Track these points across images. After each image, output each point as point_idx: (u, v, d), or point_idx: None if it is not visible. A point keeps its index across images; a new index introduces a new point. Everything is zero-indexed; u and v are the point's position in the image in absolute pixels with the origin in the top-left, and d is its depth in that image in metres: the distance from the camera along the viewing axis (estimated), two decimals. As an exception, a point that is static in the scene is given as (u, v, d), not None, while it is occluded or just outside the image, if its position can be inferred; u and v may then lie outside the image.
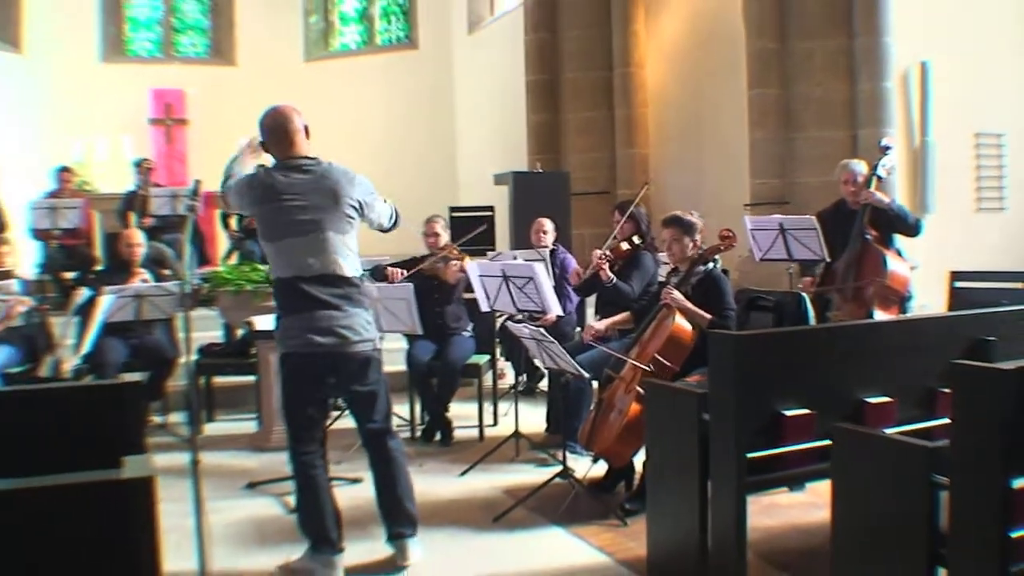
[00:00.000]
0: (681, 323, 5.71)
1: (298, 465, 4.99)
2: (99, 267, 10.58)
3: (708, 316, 5.77)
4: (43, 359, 7.81)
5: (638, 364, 5.66)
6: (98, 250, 11.89)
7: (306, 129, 5.02)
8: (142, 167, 12.78)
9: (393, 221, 5.35)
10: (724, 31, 11.80)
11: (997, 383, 3.17)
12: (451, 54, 18.24)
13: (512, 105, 14.95)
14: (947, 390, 4.62)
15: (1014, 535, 3.11)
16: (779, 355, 4.60)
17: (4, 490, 2.08)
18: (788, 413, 4.33)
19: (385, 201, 5.23)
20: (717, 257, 6.29)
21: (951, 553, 3.29)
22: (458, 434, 7.82)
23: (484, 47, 17.16)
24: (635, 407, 5.50)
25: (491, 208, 12.15)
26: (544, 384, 8.54)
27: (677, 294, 5.90)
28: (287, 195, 4.81)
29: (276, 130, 4.96)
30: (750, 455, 4.26)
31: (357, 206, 4.96)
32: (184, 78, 18.50)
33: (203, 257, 11.50)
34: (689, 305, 5.86)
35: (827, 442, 4.07)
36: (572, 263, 8.41)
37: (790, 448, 4.36)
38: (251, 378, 8.22)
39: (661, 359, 5.59)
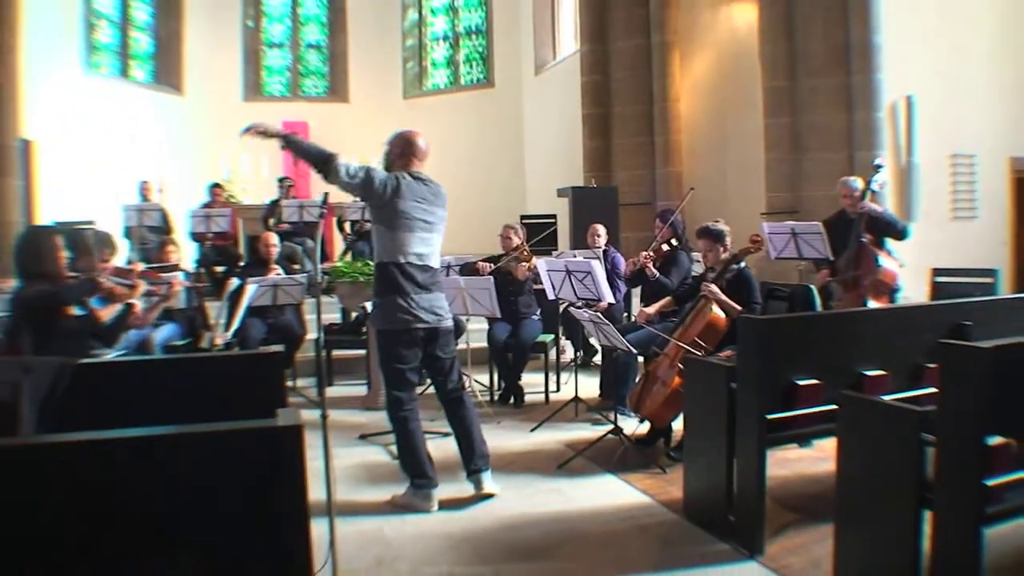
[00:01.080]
0: (718, 313, 5.71)
1: (397, 420, 5.07)
2: (243, 263, 10.71)
3: (739, 308, 5.75)
4: (201, 335, 7.95)
5: (681, 345, 5.65)
6: (242, 249, 12.04)
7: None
8: (284, 183, 13.01)
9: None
10: (744, 71, 11.72)
11: (976, 359, 3.18)
12: (521, 92, 18.23)
13: (571, 133, 14.92)
14: (932, 365, 4.62)
15: (989, 483, 3.11)
16: (793, 336, 4.61)
17: (190, 432, 2.11)
18: (800, 383, 4.33)
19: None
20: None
21: (936, 498, 3.27)
22: (528, 398, 7.85)
23: (548, 86, 17.13)
24: (677, 380, 5.51)
25: (554, 216, 12.18)
26: (597, 358, 8.54)
27: (714, 288, 5.90)
28: (417, 198, 4.96)
29: (411, 145, 5.11)
30: (769, 416, 4.26)
31: (444, 220, 5.17)
32: (307, 113, 18.72)
33: (323, 255, 11.61)
34: (724, 298, 5.85)
35: (833, 407, 4.04)
36: (621, 261, 8.38)
37: (802, 411, 4.36)
38: (362, 351, 8.29)
39: (700, 342, 5.60)
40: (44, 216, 13.42)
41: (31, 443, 2.44)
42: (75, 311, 4.91)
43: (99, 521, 2.10)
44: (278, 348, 3.84)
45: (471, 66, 19.59)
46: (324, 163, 4.83)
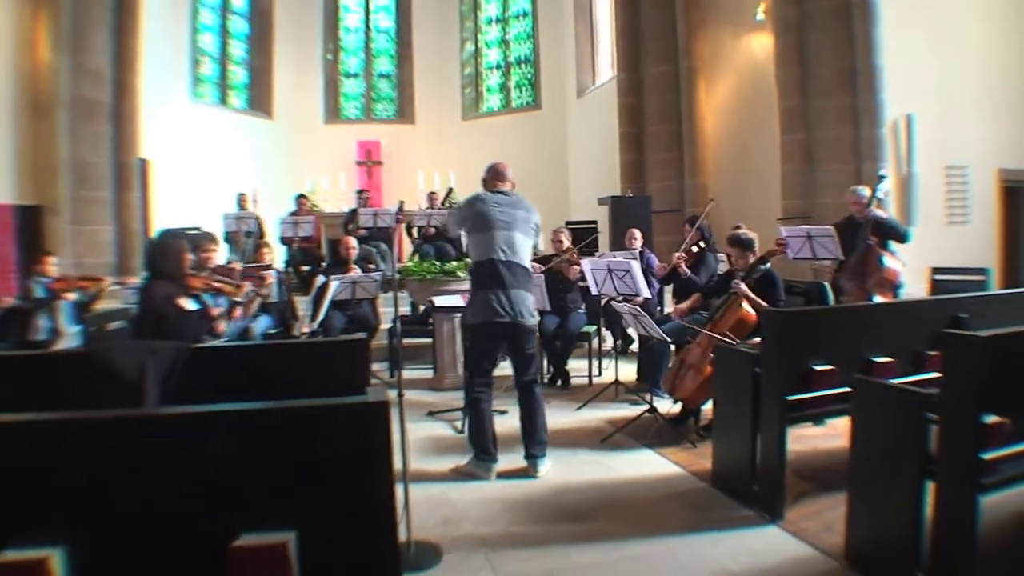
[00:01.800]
0: (747, 309, 5.68)
1: (473, 400, 5.12)
2: (325, 263, 10.82)
3: (765, 304, 5.70)
4: (291, 325, 8.06)
5: (713, 336, 5.61)
6: (324, 251, 12.16)
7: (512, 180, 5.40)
8: (362, 195, 13.18)
9: (542, 248, 5.80)
10: (761, 93, 11.59)
11: (975, 347, 3.15)
12: (565, 113, 18.15)
13: (609, 149, 14.85)
14: (933, 352, 4.57)
15: (985, 456, 3.10)
16: (810, 327, 4.58)
17: (293, 406, 2.14)
18: (817, 368, 4.30)
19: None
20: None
21: (938, 470, 3.25)
22: (574, 381, 7.85)
23: (588, 108, 17.05)
24: (708, 368, 5.47)
25: (595, 222, 12.18)
26: (634, 347, 8.51)
27: (744, 287, 5.86)
28: (494, 204, 5.10)
29: (496, 172, 5.37)
30: (789, 398, 4.23)
31: (535, 227, 5.23)
32: (379, 133, 18.84)
33: (394, 256, 11.70)
34: (752, 295, 5.81)
35: (845, 389, 4.02)
36: (654, 261, 8.36)
37: (818, 393, 4.33)
38: (428, 340, 8.31)
39: (730, 334, 5.57)
40: (158, 224, 13.69)
41: (155, 415, 2.47)
42: (191, 305, 5.01)
43: (212, 486, 2.14)
44: (361, 336, 3.88)
45: (521, 91, 19.57)
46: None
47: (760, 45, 11.87)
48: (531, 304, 5.12)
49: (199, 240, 6.33)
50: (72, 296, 7.43)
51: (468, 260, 8.25)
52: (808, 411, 4.45)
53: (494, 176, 5.35)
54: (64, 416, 2.28)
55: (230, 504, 2.12)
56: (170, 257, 5.19)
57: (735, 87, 12.83)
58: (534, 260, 8.05)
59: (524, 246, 5.14)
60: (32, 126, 11.79)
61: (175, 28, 16.18)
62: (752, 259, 6.19)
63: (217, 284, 5.73)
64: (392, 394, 3.98)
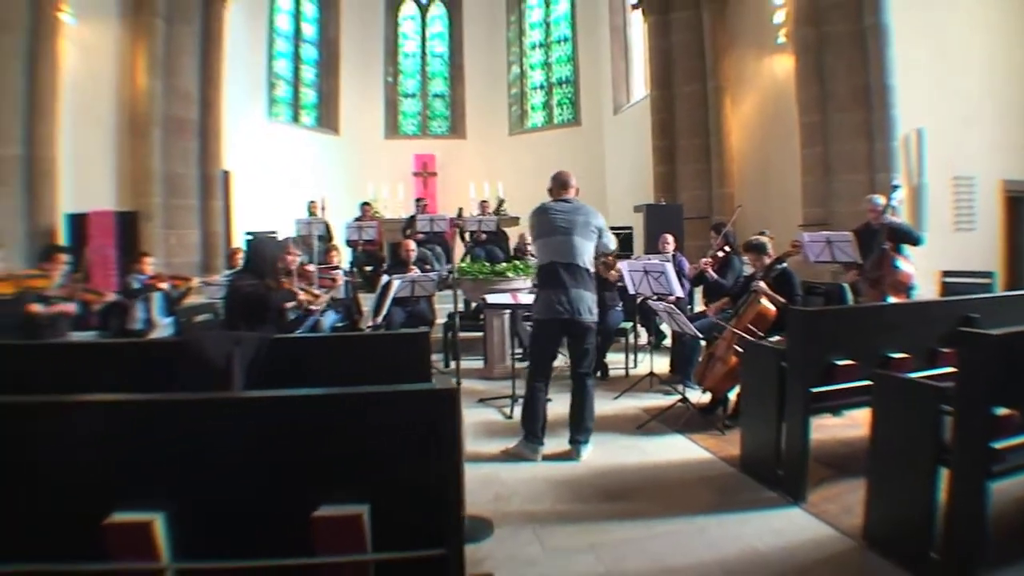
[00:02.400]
0: (766, 304, 5.62)
1: (530, 387, 5.12)
2: (386, 264, 10.88)
3: (783, 300, 5.63)
4: (357, 320, 8.12)
5: (736, 331, 5.56)
6: (385, 253, 12.23)
7: (575, 186, 5.32)
8: (420, 203, 13.27)
9: (615, 247, 5.63)
10: (783, 110, 11.45)
11: (988, 344, 3.10)
12: (602, 128, 18.06)
13: (643, 161, 14.76)
14: (945, 350, 4.47)
15: (995, 446, 3.07)
16: (831, 325, 4.51)
17: (370, 392, 2.17)
18: (839, 363, 4.23)
19: (614, 235, 5.48)
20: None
21: (952, 458, 3.20)
22: (612, 373, 7.81)
23: (624, 124, 16.95)
24: (733, 359, 5.44)
25: (630, 227, 12.11)
26: (666, 342, 8.42)
27: (763, 285, 5.80)
28: (556, 212, 5.07)
29: (559, 181, 5.29)
30: (812, 390, 4.18)
31: (595, 230, 5.12)
32: (434, 147, 18.90)
33: (448, 258, 11.73)
34: (771, 292, 5.74)
35: (865, 383, 3.96)
36: (686, 263, 8.27)
37: (839, 386, 4.26)
38: (480, 334, 8.30)
39: (752, 328, 5.51)
40: (238, 228, 13.90)
41: (244, 397, 2.51)
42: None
43: (294, 462, 2.17)
44: (425, 330, 3.91)
45: (562, 109, 19.52)
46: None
47: (781, 66, 11.74)
48: (589, 302, 5.08)
49: (284, 245, 6.40)
50: (164, 287, 7.59)
51: (516, 263, 8.30)
52: (829, 402, 4.41)
53: (558, 185, 5.30)
54: (164, 397, 2.33)
55: (311, 479, 2.15)
56: (265, 258, 5.26)
57: (759, 104, 12.69)
58: None
59: (584, 249, 5.08)
60: (130, 142, 12.06)
61: (254, 55, 16.44)
62: (767, 261, 6.12)
63: (302, 294, 5.77)
64: (446, 382, 4.02)
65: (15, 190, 9.30)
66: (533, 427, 5.09)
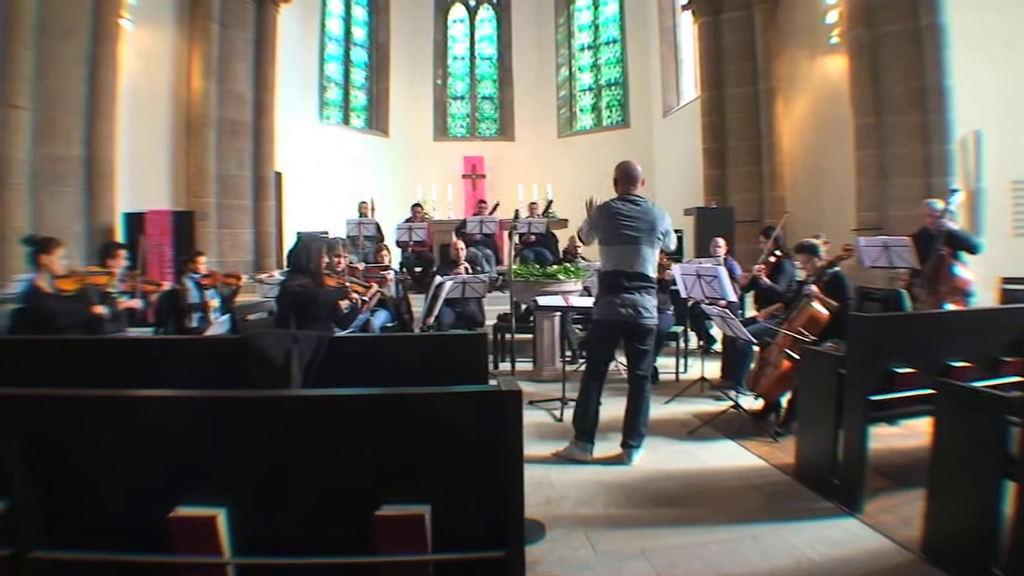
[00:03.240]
0: (818, 308, 5.51)
1: (585, 387, 5.11)
2: (436, 265, 10.92)
3: (836, 304, 5.53)
4: (406, 320, 8.16)
5: (788, 334, 5.47)
6: (435, 254, 12.29)
7: (641, 179, 5.18)
8: (478, 205, 13.31)
9: (674, 247, 5.56)
10: (836, 111, 11.28)
11: None
12: (652, 131, 17.93)
13: (692, 164, 14.64)
14: (1009, 359, 4.35)
15: None
16: (891, 331, 4.43)
17: (433, 393, 2.18)
18: (899, 371, 4.13)
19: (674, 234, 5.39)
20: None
21: (1019, 470, 3.08)
22: (662, 377, 7.71)
23: (673, 126, 16.84)
24: (786, 364, 5.35)
25: (680, 231, 12.00)
26: (716, 346, 8.32)
27: (815, 289, 5.69)
28: (623, 217, 4.95)
29: (625, 174, 5.16)
30: (871, 398, 4.09)
31: (660, 235, 5.08)
32: (482, 149, 18.98)
33: (498, 259, 11.75)
34: (822, 296, 5.64)
35: (925, 391, 3.87)
36: (737, 267, 8.19)
37: (898, 394, 4.17)
38: (529, 336, 8.27)
39: (804, 332, 5.41)
40: (289, 228, 14.11)
41: (307, 395, 2.52)
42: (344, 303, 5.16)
43: (356, 461, 2.18)
44: (482, 332, 3.92)
45: (611, 111, 19.45)
46: (578, 236, 5.46)
47: (834, 67, 11.57)
48: (651, 305, 5.05)
49: (334, 245, 6.48)
50: (219, 289, 7.74)
51: (567, 265, 8.28)
52: (888, 411, 4.29)
53: (625, 179, 5.17)
54: (228, 393, 2.37)
55: (372, 477, 2.16)
56: (311, 257, 5.32)
57: (811, 106, 12.50)
58: None
59: (650, 257, 5.05)
60: (186, 144, 12.34)
61: (306, 58, 16.68)
62: (818, 263, 6.01)
63: (348, 284, 5.85)
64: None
65: (76, 190, 9.56)
66: (585, 426, 5.07)
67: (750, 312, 7.94)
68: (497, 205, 13.47)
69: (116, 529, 2.22)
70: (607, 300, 5.01)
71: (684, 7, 15.02)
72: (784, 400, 5.71)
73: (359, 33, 18.95)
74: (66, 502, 2.23)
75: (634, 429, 5.07)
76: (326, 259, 5.64)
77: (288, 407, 2.32)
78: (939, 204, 7.07)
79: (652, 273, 5.08)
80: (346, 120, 18.46)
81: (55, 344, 4.31)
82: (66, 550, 2.17)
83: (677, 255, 10.08)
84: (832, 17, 11.50)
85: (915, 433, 5.09)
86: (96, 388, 2.36)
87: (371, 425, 2.19)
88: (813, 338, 5.35)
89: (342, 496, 2.19)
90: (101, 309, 5.91)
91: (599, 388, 5.13)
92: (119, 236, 9.99)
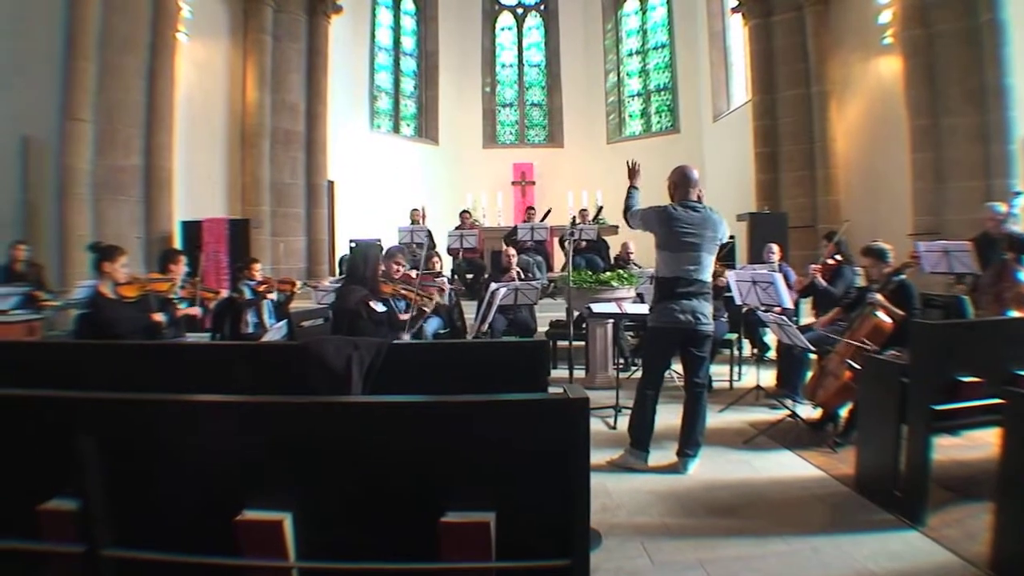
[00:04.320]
0: (883, 317, 5.36)
1: (641, 395, 5.07)
2: (487, 272, 10.95)
3: (902, 313, 5.39)
4: (458, 327, 8.18)
5: (851, 344, 5.36)
6: (486, 261, 12.31)
7: (698, 183, 5.10)
8: (527, 211, 13.31)
9: (726, 252, 5.43)
10: (891, 113, 11.09)
11: None
12: (702, 135, 17.78)
13: (744, 168, 14.50)
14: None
15: None
16: (956, 339, 4.29)
17: (500, 400, 2.19)
18: (964, 379, 4.02)
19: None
20: None
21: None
22: (716, 385, 7.55)
23: (723, 130, 16.69)
24: (847, 374, 5.22)
25: (733, 237, 11.87)
26: (771, 354, 8.17)
27: (880, 297, 5.55)
28: (683, 224, 4.89)
29: (684, 178, 5.07)
30: (935, 407, 3.99)
31: (719, 243, 5.04)
32: (531, 156, 19.06)
33: (549, 266, 11.74)
34: (888, 305, 5.49)
35: (991, 401, 3.76)
36: (792, 274, 8.06)
37: (963, 404, 4.05)
38: (581, 343, 8.19)
39: (867, 342, 5.29)
40: (341, 235, 14.30)
41: (372, 402, 2.55)
42: (380, 307, 5.17)
43: (420, 467, 2.20)
44: (542, 339, 3.90)
45: (660, 116, 19.35)
46: (624, 211, 5.33)
47: (888, 67, 11.38)
48: (708, 311, 4.99)
49: (393, 253, 6.54)
50: (273, 296, 7.87)
51: (620, 272, 8.23)
52: (953, 421, 4.17)
53: (685, 183, 5.07)
54: (290, 400, 2.40)
55: (436, 484, 2.17)
56: (368, 264, 5.37)
57: (865, 108, 12.30)
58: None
59: (709, 264, 5.01)
60: (241, 153, 12.62)
61: (356, 68, 16.94)
62: (886, 269, 5.86)
63: (403, 292, 5.90)
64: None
65: (135, 198, 9.83)
66: (641, 435, 5.03)
67: (805, 319, 7.79)
68: (549, 212, 13.45)
69: (183, 530, 2.27)
70: (665, 306, 4.94)
71: (734, 10, 14.92)
72: (843, 410, 5.60)
73: (408, 43, 19.17)
74: (135, 503, 2.28)
75: (691, 438, 5.01)
76: (382, 267, 5.68)
77: (352, 413, 2.34)
78: (1002, 207, 6.89)
79: (709, 279, 5.03)
80: (396, 128, 18.68)
81: (122, 349, 4.43)
82: (136, 549, 2.22)
83: (730, 261, 9.97)
84: (885, 17, 11.32)
85: (978, 444, 4.94)
86: (161, 392, 2.42)
87: (437, 432, 2.21)
88: (876, 349, 5.22)
89: (406, 502, 2.21)
90: (160, 317, 6.05)
91: (656, 396, 5.08)
92: (177, 244, 10.24)
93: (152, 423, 2.35)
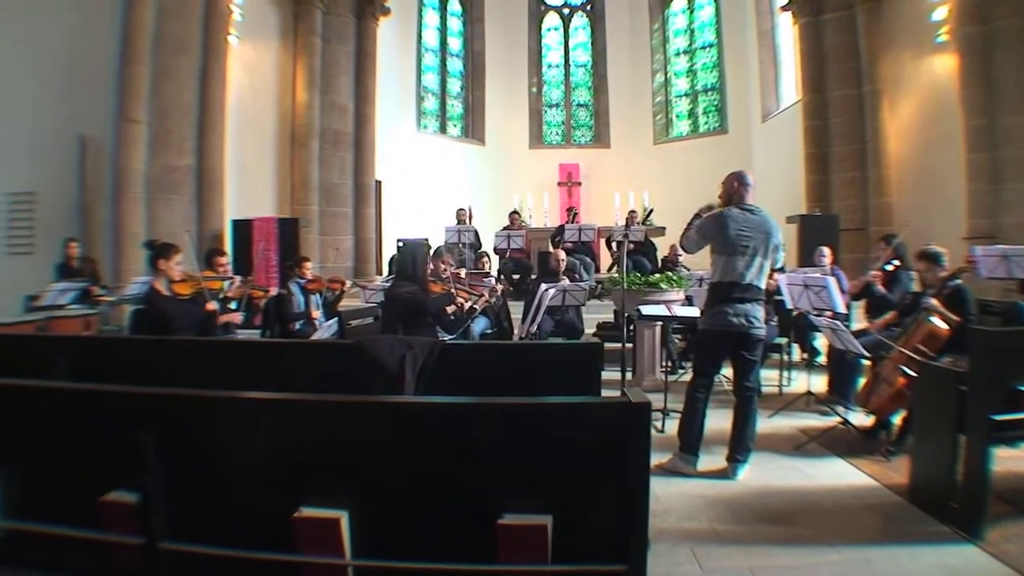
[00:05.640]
0: (938, 324, 5.23)
1: (691, 398, 5.04)
2: (534, 273, 10.94)
3: (957, 319, 5.26)
4: (505, 327, 8.17)
5: (905, 351, 5.24)
6: (533, 261, 12.29)
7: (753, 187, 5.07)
8: (570, 213, 13.32)
9: (782, 263, 5.49)
10: (945, 113, 10.80)
11: None
12: (751, 136, 17.53)
13: (793, 170, 14.26)
14: None
15: None
16: (1017, 346, 4.18)
17: (556, 403, 2.20)
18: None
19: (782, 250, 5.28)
20: None
21: None
22: (765, 390, 7.41)
23: (773, 131, 16.44)
24: (901, 380, 5.11)
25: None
26: (821, 359, 8.02)
27: (935, 302, 5.43)
28: (740, 225, 4.87)
29: (744, 182, 5.06)
30: (994, 417, 3.89)
31: (775, 246, 4.98)
32: (578, 156, 19.03)
33: (596, 267, 11.68)
34: (943, 310, 5.36)
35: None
36: (844, 277, 7.90)
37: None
38: (629, 344, 8.13)
39: (922, 348, 5.16)
40: (389, 235, 14.44)
41: (431, 403, 2.56)
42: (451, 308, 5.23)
43: (477, 469, 2.22)
44: (597, 341, 3.89)
45: (708, 116, 19.16)
46: (681, 239, 5.36)
47: (942, 66, 11.10)
48: (760, 315, 4.95)
49: (441, 252, 6.59)
50: (323, 294, 7.96)
51: (669, 274, 8.16)
52: (1012, 432, 4.06)
53: (743, 185, 5.04)
54: (347, 398, 2.43)
55: (493, 486, 2.19)
56: (417, 264, 5.41)
57: (918, 107, 12.02)
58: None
59: (764, 269, 4.96)
60: (290, 153, 12.80)
61: (404, 69, 17.08)
62: (941, 273, 5.71)
63: (460, 294, 5.93)
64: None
65: (187, 198, 10.03)
66: (691, 438, 5.00)
67: (856, 324, 7.63)
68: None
69: (240, 526, 2.31)
70: (718, 309, 4.91)
71: (783, 8, 14.70)
72: (897, 418, 5.48)
73: (455, 43, 19.28)
74: (194, 497, 2.33)
75: (741, 443, 4.96)
76: (431, 266, 5.72)
77: (409, 414, 2.36)
78: (1064, 210, 6.70)
79: (763, 284, 4.98)
80: (443, 129, 18.79)
81: (177, 344, 4.53)
82: (194, 543, 2.27)
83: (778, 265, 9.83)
84: (939, 14, 11.07)
85: (1039, 457, 4.82)
86: (218, 389, 2.46)
87: (496, 434, 2.22)
88: (932, 355, 5.10)
89: (461, 503, 2.23)
90: (214, 305, 6.16)
91: (706, 400, 5.04)
92: (227, 242, 10.42)
93: (209, 419, 2.40)
